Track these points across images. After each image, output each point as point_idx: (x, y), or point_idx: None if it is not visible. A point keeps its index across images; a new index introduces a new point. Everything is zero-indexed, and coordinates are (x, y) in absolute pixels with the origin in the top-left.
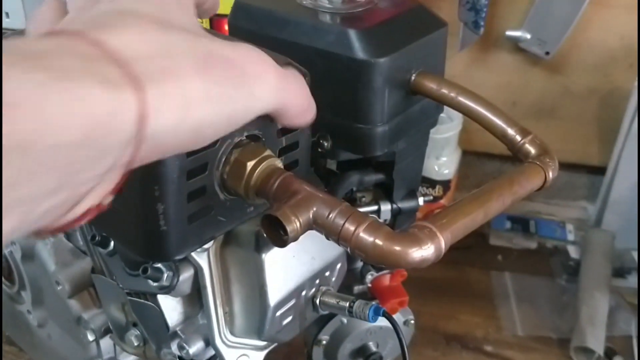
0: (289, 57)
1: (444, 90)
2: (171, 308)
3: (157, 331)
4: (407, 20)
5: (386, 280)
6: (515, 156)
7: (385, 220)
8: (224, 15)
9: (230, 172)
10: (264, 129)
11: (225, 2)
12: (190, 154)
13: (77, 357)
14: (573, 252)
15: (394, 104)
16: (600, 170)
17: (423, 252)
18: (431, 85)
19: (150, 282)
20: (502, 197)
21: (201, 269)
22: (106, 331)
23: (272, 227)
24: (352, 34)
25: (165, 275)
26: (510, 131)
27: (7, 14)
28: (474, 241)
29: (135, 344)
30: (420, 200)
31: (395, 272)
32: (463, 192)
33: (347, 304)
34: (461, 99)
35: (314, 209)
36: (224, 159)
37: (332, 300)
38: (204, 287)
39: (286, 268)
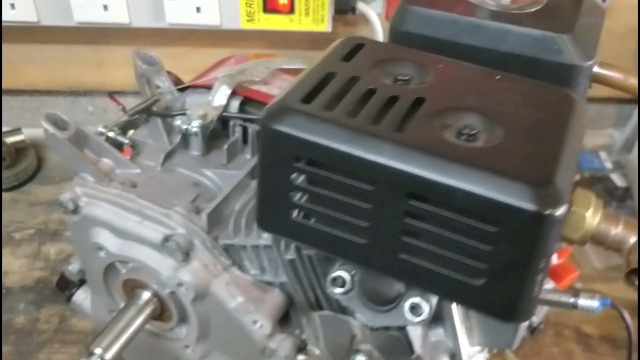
0: (482, 63)
1: (632, 81)
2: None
3: (398, 357)
4: (587, 12)
5: (554, 259)
6: None
7: None
8: None
9: (565, 222)
10: None
11: None
12: None
13: None
14: (617, 179)
15: None
16: (631, 101)
17: None
18: (617, 75)
19: (412, 316)
20: None
21: None
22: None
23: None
24: (561, 39)
25: (426, 309)
26: None
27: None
28: None
29: None
30: None
31: (562, 249)
32: None
33: (571, 299)
34: None
35: None
36: None
37: (553, 297)
38: (450, 309)
39: None
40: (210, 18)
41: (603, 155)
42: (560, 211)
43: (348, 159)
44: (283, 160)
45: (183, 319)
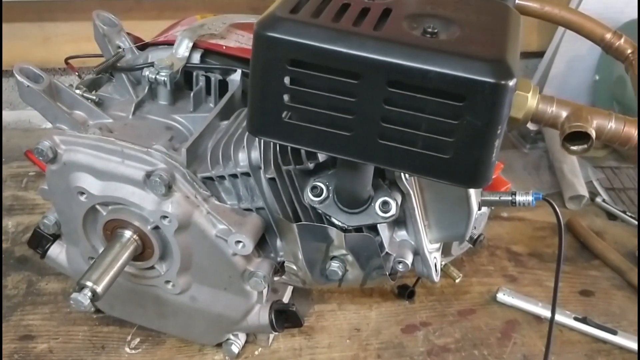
0: None
1: (547, 9)
2: (386, 235)
3: (370, 256)
4: None
5: None
6: (613, 55)
7: None
8: None
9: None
10: None
11: None
12: None
13: (236, 309)
14: (529, 124)
15: None
16: (538, 54)
17: None
18: (535, 5)
19: (382, 213)
20: None
21: (409, 193)
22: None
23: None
24: None
25: (394, 206)
26: (607, 35)
27: None
28: None
29: (340, 273)
30: None
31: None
32: None
33: (510, 197)
34: (564, 14)
35: (595, 122)
36: None
37: (494, 197)
38: (412, 208)
39: None
40: None
41: None
42: (512, 82)
43: (336, 56)
44: (276, 65)
45: (164, 255)
